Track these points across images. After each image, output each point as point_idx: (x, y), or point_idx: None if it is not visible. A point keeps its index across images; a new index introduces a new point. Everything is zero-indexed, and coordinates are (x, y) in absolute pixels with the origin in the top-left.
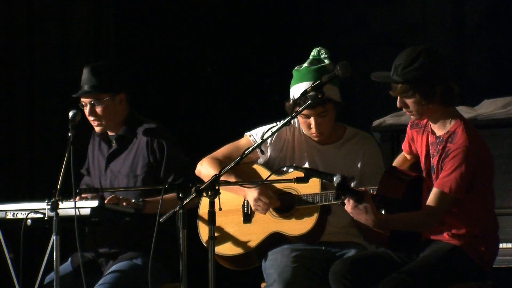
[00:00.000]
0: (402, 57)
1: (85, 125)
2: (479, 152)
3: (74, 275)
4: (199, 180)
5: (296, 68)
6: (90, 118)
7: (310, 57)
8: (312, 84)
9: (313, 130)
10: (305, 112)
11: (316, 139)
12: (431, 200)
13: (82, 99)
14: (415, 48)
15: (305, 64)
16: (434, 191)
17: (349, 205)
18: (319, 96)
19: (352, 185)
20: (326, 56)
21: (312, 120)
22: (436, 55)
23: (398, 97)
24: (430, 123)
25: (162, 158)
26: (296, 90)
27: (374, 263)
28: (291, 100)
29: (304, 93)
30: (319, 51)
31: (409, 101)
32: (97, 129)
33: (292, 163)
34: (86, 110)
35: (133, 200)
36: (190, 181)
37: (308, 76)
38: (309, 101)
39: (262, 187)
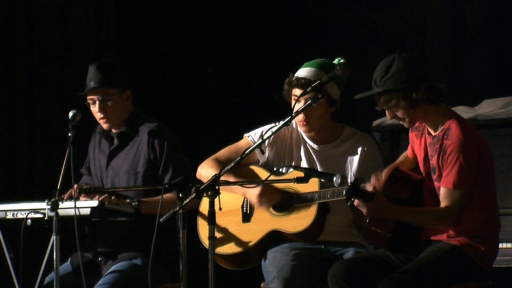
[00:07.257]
0: (378, 69)
1: (85, 125)
2: (477, 145)
3: (74, 276)
4: (200, 181)
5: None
6: (99, 115)
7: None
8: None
9: (300, 116)
10: (296, 93)
11: (303, 128)
12: (441, 199)
13: (90, 96)
14: (389, 57)
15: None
16: (442, 191)
17: (364, 208)
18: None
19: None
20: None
21: (302, 103)
22: (410, 58)
23: (386, 110)
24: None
25: (161, 155)
26: (299, 72)
27: (373, 264)
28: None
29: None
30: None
31: (397, 111)
32: (105, 126)
33: (290, 163)
34: (95, 108)
35: (127, 200)
36: (190, 181)
37: (314, 64)
38: (309, 101)
39: (263, 186)
